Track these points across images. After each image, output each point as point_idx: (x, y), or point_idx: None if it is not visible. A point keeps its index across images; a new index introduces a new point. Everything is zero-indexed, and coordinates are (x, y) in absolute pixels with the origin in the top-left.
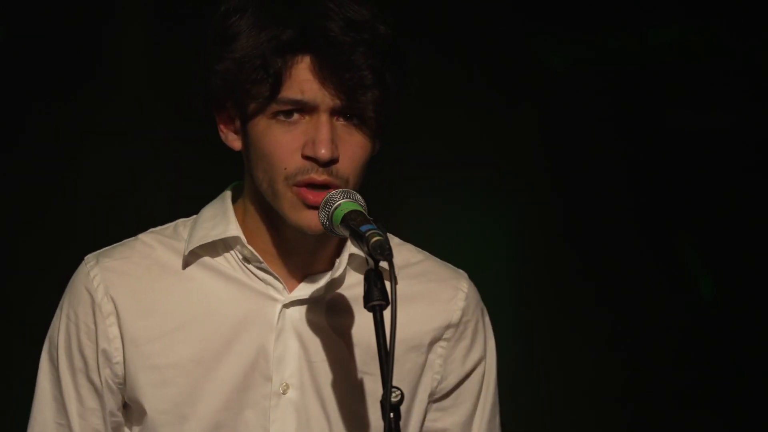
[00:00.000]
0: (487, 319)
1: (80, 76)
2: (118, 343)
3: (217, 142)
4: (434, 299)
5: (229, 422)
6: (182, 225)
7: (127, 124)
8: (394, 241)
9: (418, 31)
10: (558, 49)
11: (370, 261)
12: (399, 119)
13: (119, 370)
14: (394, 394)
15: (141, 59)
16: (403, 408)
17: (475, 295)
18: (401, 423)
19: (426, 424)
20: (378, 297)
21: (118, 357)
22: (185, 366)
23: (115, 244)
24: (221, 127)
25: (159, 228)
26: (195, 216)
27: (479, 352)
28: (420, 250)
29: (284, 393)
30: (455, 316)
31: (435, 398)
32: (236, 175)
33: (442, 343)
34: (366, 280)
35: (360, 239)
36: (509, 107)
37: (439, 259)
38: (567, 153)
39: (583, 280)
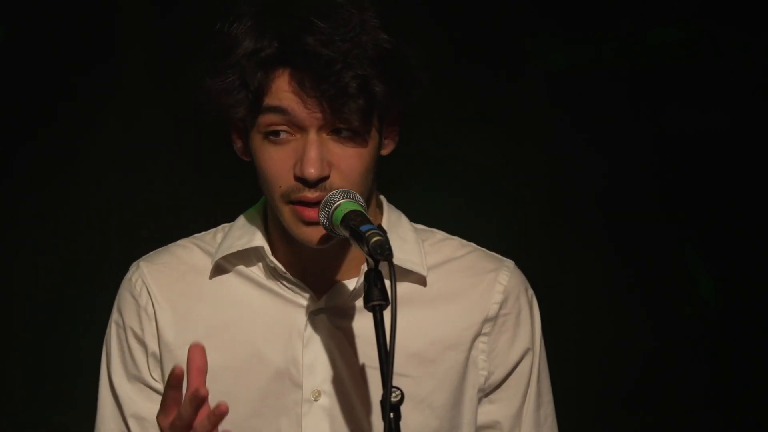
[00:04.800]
0: (534, 308)
1: (81, 76)
2: (159, 345)
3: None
4: (470, 294)
5: (262, 429)
6: (221, 230)
7: (129, 125)
8: (438, 236)
9: (418, 31)
10: (558, 49)
11: (370, 261)
12: (408, 113)
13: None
14: (394, 394)
15: (142, 58)
16: (449, 406)
17: (517, 285)
18: (453, 422)
19: (478, 418)
20: (378, 297)
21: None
22: (215, 372)
23: (159, 249)
24: (233, 137)
25: (201, 233)
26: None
27: (525, 342)
28: (466, 243)
29: (316, 400)
30: (492, 310)
31: (486, 393)
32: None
33: (482, 338)
34: (366, 280)
35: (360, 239)
36: (509, 107)
37: (485, 250)
38: (567, 153)
39: (583, 281)
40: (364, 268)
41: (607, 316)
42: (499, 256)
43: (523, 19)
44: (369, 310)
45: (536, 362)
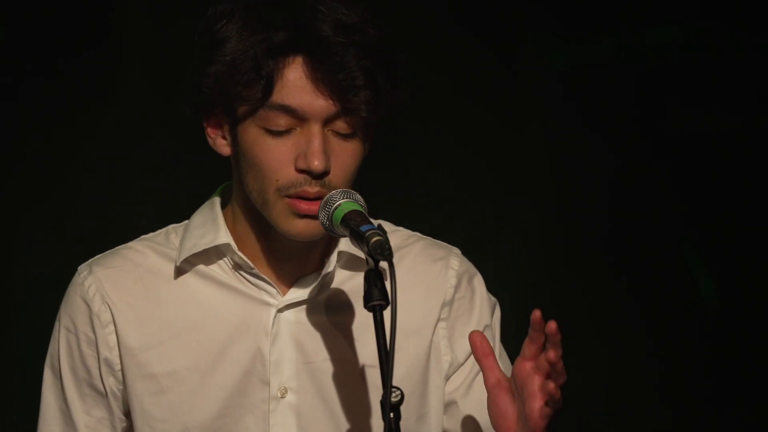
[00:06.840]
0: (483, 289)
1: (81, 75)
2: (117, 351)
3: (207, 143)
4: (427, 281)
5: (230, 428)
6: (173, 231)
7: (127, 125)
8: (387, 228)
9: (417, 32)
10: (558, 49)
11: (370, 261)
12: (390, 123)
13: (121, 377)
14: (394, 394)
15: (142, 58)
16: (417, 394)
17: (467, 269)
18: (420, 410)
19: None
20: (378, 297)
21: (118, 365)
22: (181, 374)
23: (106, 252)
24: (209, 131)
25: (150, 235)
26: (186, 222)
27: (483, 320)
28: (412, 232)
29: (283, 397)
30: (449, 294)
31: (448, 376)
32: (226, 174)
33: (441, 324)
34: (366, 280)
35: (360, 239)
36: (509, 107)
37: (430, 239)
38: (567, 153)
39: (582, 280)
40: (328, 261)
41: (607, 316)
42: (445, 243)
43: (523, 18)
44: (369, 310)
45: (496, 336)
